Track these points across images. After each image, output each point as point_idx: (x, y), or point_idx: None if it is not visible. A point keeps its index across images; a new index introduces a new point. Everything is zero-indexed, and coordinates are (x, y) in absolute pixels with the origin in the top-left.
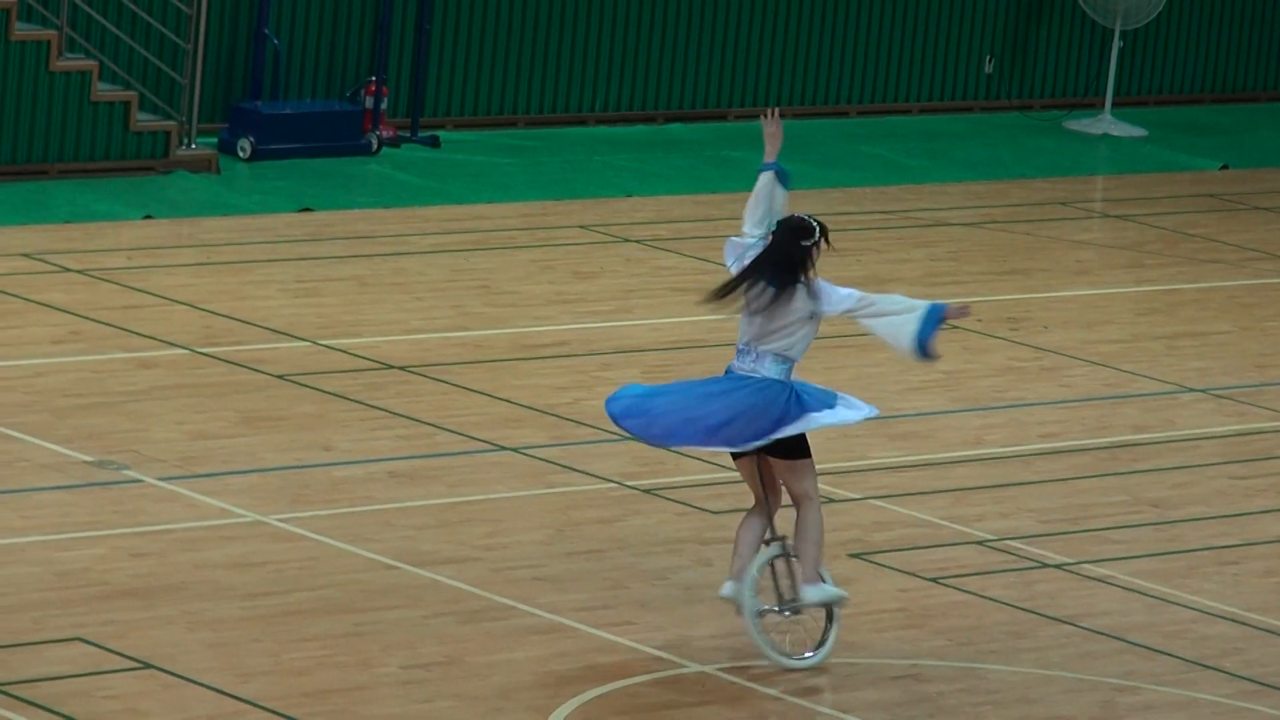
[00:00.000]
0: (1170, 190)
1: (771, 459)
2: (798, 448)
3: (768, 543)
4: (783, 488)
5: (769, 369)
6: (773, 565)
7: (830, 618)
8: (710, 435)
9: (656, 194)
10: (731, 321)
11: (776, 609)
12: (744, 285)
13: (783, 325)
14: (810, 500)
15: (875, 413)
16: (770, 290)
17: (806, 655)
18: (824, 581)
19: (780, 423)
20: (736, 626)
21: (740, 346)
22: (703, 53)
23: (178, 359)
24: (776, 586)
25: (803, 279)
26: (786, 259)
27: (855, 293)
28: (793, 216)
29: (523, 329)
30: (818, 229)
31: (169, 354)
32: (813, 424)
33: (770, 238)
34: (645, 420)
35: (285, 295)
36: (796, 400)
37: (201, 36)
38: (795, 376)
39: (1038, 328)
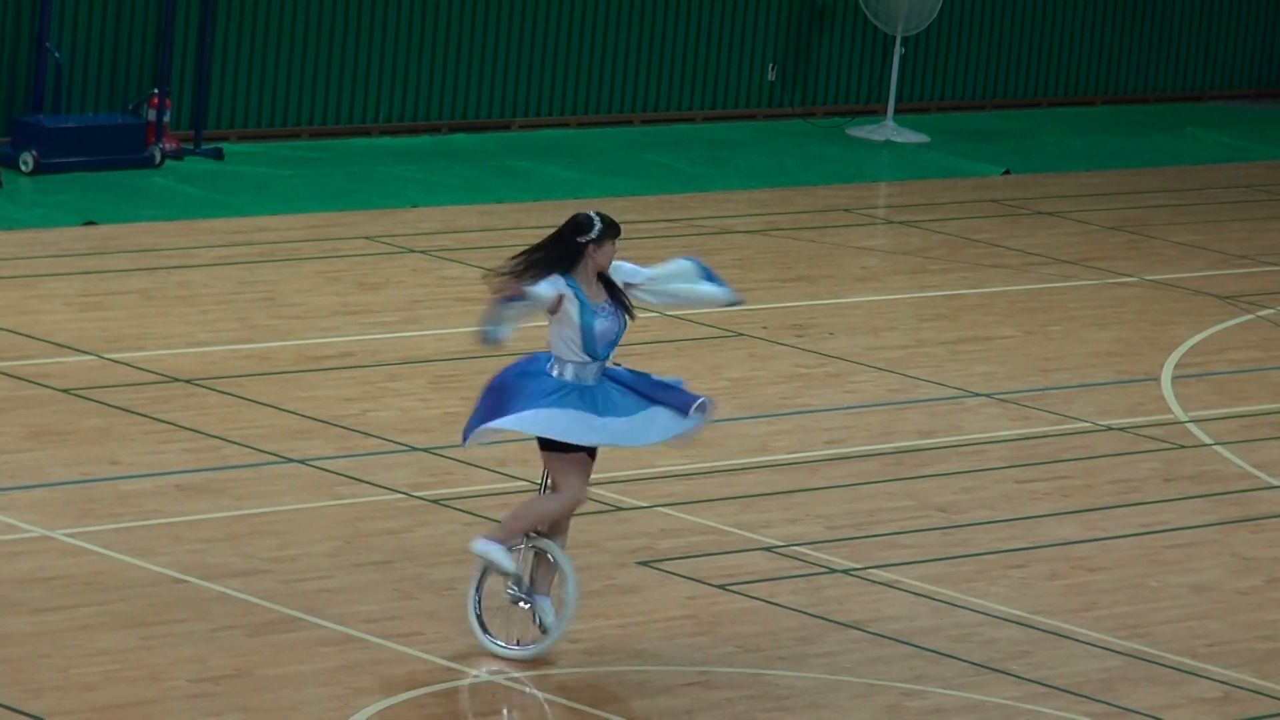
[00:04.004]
0: (953, 196)
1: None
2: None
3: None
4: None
5: (548, 363)
6: (533, 554)
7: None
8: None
9: (441, 204)
10: (518, 334)
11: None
12: (517, 267)
13: (547, 316)
14: (559, 494)
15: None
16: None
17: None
18: (502, 549)
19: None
20: (523, 636)
21: None
22: (485, 63)
23: None
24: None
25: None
26: (559, 251)
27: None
28: (581, 213)
29: (309, 340)
30: (597, 225)
31: None
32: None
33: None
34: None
35: (70, 309)
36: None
37: None
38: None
39: (823, 334)
